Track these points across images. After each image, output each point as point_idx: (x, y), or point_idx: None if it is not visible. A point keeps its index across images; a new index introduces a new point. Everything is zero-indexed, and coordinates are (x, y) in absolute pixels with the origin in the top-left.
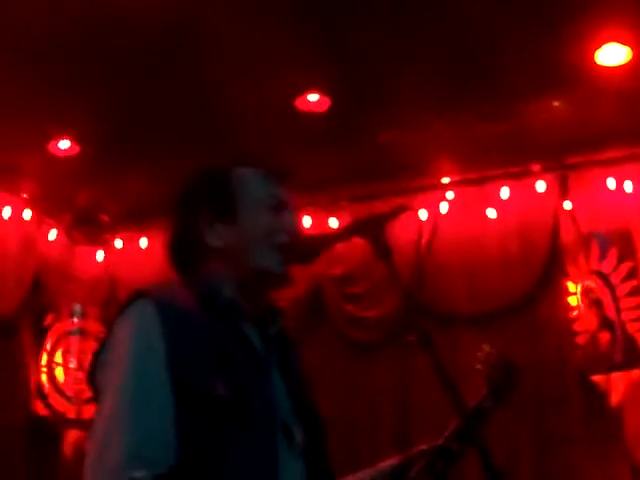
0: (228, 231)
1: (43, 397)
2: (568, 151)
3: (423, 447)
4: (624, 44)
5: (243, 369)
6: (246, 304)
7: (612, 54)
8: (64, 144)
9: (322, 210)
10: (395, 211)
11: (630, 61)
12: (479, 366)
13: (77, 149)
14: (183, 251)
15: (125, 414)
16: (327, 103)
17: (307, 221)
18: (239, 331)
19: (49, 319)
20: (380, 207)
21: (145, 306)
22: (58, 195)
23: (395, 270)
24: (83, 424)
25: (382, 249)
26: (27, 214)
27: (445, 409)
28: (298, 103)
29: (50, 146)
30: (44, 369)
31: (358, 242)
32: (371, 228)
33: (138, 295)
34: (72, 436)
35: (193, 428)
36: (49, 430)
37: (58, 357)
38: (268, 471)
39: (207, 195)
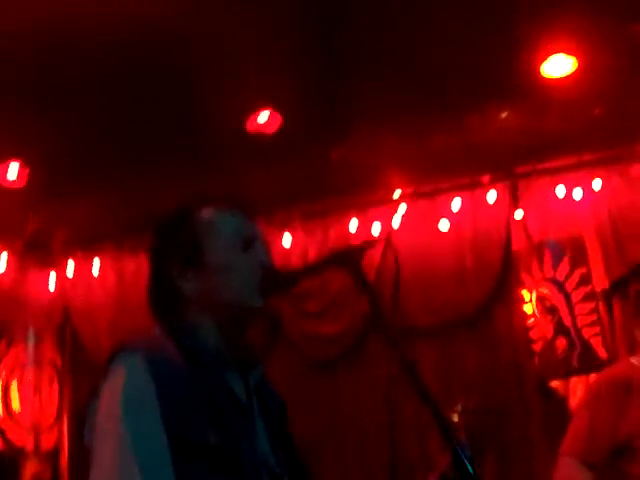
0: (199, 277)
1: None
2: (517, 161)
3: None
4: (570, 54)
5: (230, 419)
6: (228, 351)
7: (558, 65)
8: (13, 167)
9: (276, 227)
10: (366, 244)
11: (576, 71)
12: (455, 418)
13: (26, 172)
14: (161, 301)
15: (129, 468)
16: (278, 121)
17: None
18: (224, 382)
19: (2, 345)
20: (333, 223)
21: (134, 360)
22: (7, 220)
23: (376, 299)
24: (41, 455)
25: (361, 280)
26: None
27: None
28: (248, 124)
29: None
30: (4, 400)
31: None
32: (348, 260)
33: (126, 349)
34: (31, 469)
35: (190, 477)
36: (7, 464)
37: (14, 388)
38: None
39: (174, 244)
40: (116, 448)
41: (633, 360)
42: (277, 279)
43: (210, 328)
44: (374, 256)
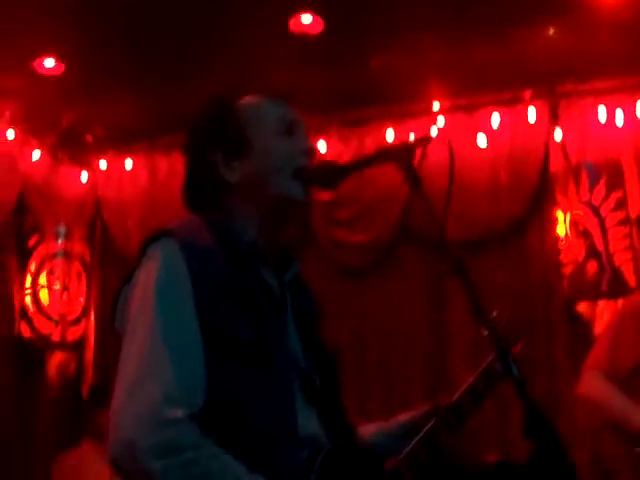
0: (245, 166)
1: (27, 319)
2: (560, 79)
3: (435, 404)
4: None
5: (263, 313)
6: (265, 246)
7: None
8: (49, 62)
9: (312, 133)
10: (420, 141)
11: None
12: (486, 332)
13: (62, 68)
14: (200, 190)
15: (160, 354)
16: (320, 25)
17: None
18: (259, 275)
19: (33, 240)
20: (369, 132)
21: (170, 245)
22: (42, 114)
23: (426, 196)
24: (67, 346)
25: (412, 177)
26: (10, 134)
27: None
28: (291, 24)
29: (34, 64)
30: (28, 291)
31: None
32: (399, 157)
33: (161, 234)
34: (56, 358)
35: (217, 369)
36: (33, 352)
37: (42, 279)
38: (285, 416)
39: (218, 133)
40: (148, 334)
41: None
42: (327, 170)
43: (250, 219)
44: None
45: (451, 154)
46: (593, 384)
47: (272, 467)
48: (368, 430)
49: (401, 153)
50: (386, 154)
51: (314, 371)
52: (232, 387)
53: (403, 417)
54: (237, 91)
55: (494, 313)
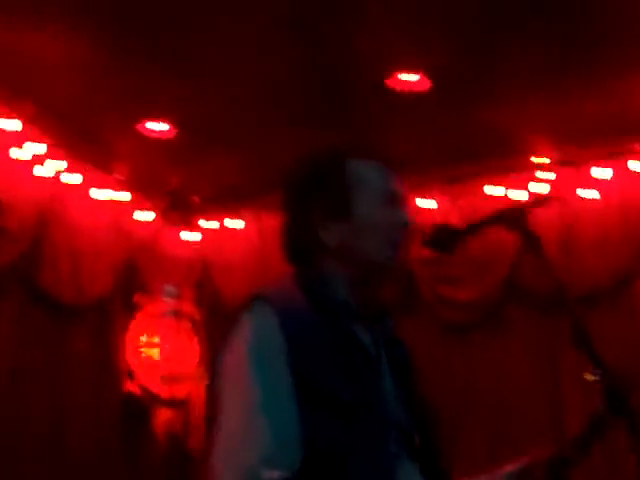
0: (343, 229)
1: (136, 377)
2: None
3: (537, 455)
4: None
5: (360, 372)
6: (358, 304)
7: None
8: (160, 126)
9: (415, 190)
10: (538, 201)
11: None
12: (591, 378)
13: (174, 131)
14: (297, 248)
15: (256, 421)
16: (427, 84)
17: None
18: (352, 333)
19: (143, 300)
20: (476, 188)
21: (264, 309)
22: (152, 176)
23: (545, 257)
24: (174, 404)
25: (530, 238)
26: (121, 195)
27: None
28: (395, 83)
29: (144, 127)
30: (140, 350)
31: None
32: (516, 217)
33: (255, 298)
34: (163, 415)
35: (316, 427)
36: (141, 409)
37: (154, 338)
38: (385, 473)
39: (321, 192)
40: (244, 401)
41: None
42: (445, 234)
43: (342, 280)
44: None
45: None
46: None
47: None
48: None
49: (516, 216)
50: (501, 217)
51: (413, 427)
52: (331, 444)
53: (510, 467)
54: (347, 148)
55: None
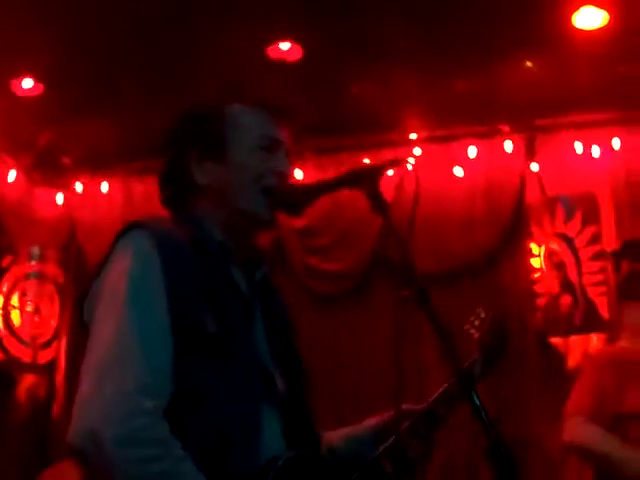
0: (216, 170)
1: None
2: (537, 113)
3: (408, 407)
4: (601, 8)
5: (230, 309)
6: (234, 247)
7: (589, 17)
8: (27, 83)
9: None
10: (387, 164)
11: (606, 25)
12: (472, 331)
13: (41, 88)
14: (173, 188)
15: (131, 345)
16: (299, 52)
17: None
18: (227, 274)
19: (6, 261)
20: (346, 160)
21: (143, 236)
22: (19, 135)
23: (391, 223)
24: (39, 369)
25: (378, 201)
26: None
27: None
28: (270, 51)
29: (12, 84)
30: (2, 312)
31: (345, 193)
32: (365, 180)
33: (134, 226)
34: (27, 381)
35: (181, 362)
36: (4, 374)
37: (15, 300)
38: (249, 412)
39: (197, 132)
40: (118, 325)
41: (623, 343)
42: (289, 196)
43: (217, 223)
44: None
45: (417, 183)
46: (580, 430)
47: (223, 468)
48: (336, 436)
49: (368, 176)
50: (352, 177)
51: (276, 369)
52: (193, 379)
53: (371, 422)
54: (230, 95)
55: (481, 314)
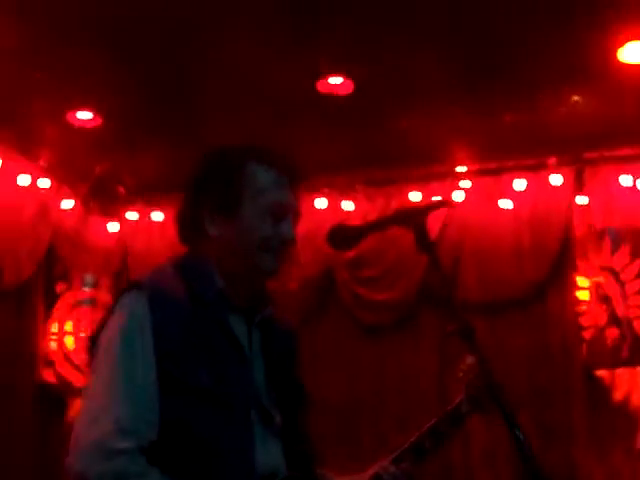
0: (226, 225)
1: (51, 365)
2: (585, 146)
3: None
4: None
5: (224, 359)
6: (234, 294)
7: (634, 52)
8: (86, 115)
9: (337, 192)
10: (436, 205)
11: None
12: (461, 374)
13: (99, 121)
14: (185, 231)
15: (117, 392)
16: (350, 87)
17: (322, 203)
18: (223, 323)
19: (61, 287)
20: (395, 192)
21: (139, 299)
22: (76, 165)
23: (437, 260)
24: None
25: (424, 240)
26: (44, 182)
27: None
28: (319, 85)
29: (71, 116)
30: (54, 337)
31: (393, 231)
32: (413, 219)
33: (134, 286)
34: (78, 405)
35: (174, 409)
36: (56, 398)
37: (69, 326)
38: (244, 450)
39: (215, 184)
40: (108, 374)
41: None
42: (343, 232)
43: (220, 271)
44: (433, 228)
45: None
46: None
47: None
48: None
49: (415, 216)
50: (400, 217)
51: (275, 407)
52: (190, 424)
53: (370, 472)
54: (252, 154)
55: (468, 359)
